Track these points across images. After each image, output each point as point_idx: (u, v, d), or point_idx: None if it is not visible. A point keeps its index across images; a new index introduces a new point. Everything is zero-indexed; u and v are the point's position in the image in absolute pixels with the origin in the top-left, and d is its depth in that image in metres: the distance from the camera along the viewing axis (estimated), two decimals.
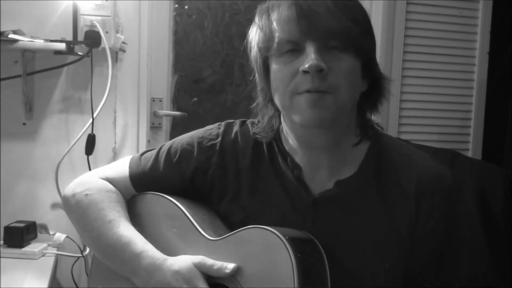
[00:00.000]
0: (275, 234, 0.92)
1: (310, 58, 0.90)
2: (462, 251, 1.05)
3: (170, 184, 1.09)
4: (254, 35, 1.01)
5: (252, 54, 1.03)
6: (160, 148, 1.13)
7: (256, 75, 1.04)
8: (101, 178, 1.12)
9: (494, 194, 1.73)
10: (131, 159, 1.14)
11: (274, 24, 0.95)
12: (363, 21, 0.96)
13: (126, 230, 1.04)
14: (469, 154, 2.19)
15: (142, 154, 1.14)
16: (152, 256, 1.00)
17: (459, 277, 1.03)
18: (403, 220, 0.99)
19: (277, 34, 0.95)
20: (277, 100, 0.98)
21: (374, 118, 1.07)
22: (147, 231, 1.07)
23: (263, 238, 0.93)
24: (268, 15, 0.97)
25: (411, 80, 2.15)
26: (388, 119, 2.12)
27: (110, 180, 1.12)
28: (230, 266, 0.96)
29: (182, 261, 0.98)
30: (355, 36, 0.93)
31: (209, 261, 0.97)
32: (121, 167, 1.13)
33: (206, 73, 2.26)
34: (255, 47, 1.00)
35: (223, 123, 1.11)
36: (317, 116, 0.92)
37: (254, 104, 1.07)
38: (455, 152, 1.89)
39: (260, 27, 0.99)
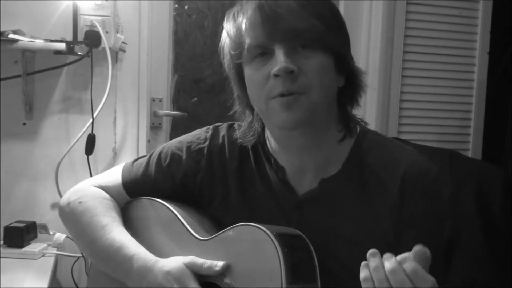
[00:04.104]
0: (262, 230, 0.93)
1: (279, 61, 0.91)
2: (461, 252, 1.04)
3: (162, 188, 1.11)
4: (224, 42, 1.02)
5: (225, 61, 1.03)
6: (151, 153, 1.15)
7: (232, 82, 1.04)
8: (94, 186, 1.15)
9: (493, 193, 1.72)
10: (123, 166, 1.16)
11: (242, 30, 0.96)
12: (330, 16, 0.96)
13: (119, 235, 1.06)
14: (469, 154, 2.19)
15: (134, 161, 1.17)
16: (144, 258, 1.02)
17: (457, 277, 1.03)
18: (386, 216, 0.98)
19: (246, 40, 0.95)
20: (254, 106, 1.00)
21: (361, 114, 1.07)
22: (142, 235, 1.08)
23: (251, 235, 0.95)
24: (235, 21, 0.98)
25: (411, 80, 2.14)
26: (388, 119, 2.12)
27: (103, 188, 1.14)
28: (219, 264, 0.97)
29: (173, 262, 1.00)
30: (321, 33, 0.93)
31: (199, 260, 0.99)
32: (114, 175, 1.16)
33: (206, 73, 2.25)
34: (228, 55, 1.01)
35: (211, 127, 1.13)
36: (292, 118, 0.93)
37: (231, 112, 1.08)
38: (453, 152, 1.89)
39: (229, 34, 1.00)
